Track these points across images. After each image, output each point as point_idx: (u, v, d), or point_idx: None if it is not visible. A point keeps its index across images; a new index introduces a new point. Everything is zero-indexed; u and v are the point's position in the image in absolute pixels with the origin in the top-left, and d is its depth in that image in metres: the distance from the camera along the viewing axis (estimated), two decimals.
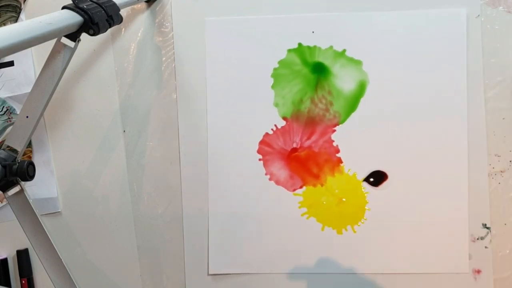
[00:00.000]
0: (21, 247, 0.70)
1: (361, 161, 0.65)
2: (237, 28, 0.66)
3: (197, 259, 0.67)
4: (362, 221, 0.65)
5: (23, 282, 0.69)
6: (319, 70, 0.65)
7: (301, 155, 0.65)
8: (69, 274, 0.54)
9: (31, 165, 0.52)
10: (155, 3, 0.68)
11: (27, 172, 0.50)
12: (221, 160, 0.66)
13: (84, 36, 0.52)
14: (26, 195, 0.52)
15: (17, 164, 0.51)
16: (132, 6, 0.67)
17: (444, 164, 0.63)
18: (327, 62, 0.65)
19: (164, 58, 0.68)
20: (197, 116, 0.67)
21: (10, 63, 0.69)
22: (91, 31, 0.51)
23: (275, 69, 0.65)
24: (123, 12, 0.59)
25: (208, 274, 0.67)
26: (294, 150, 0.66)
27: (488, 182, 0.63)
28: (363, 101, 0.64)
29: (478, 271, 0.63)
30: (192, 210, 0.67)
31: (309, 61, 0.65)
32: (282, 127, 0.66)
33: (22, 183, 0.52)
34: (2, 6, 0.69)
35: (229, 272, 0.67)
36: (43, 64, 0.52)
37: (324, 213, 0.65)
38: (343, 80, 0.64)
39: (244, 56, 0.66)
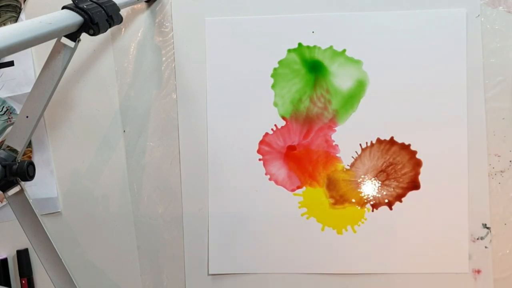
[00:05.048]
0: (21, 247, 0.70)
1: (361, 161, 0.65)
2: (237, 28, 0.66)
3: (197, 259, 0.67)
4: (362, 221, 0.65)
5: (23, 282, 0.69)
6: (317, 69, 0.65)
7: (300, 154, 0.65)
8: (69, 274, 0.54)
9: (31, 165, 0.52)
10: (155, 3, 0.68)
11: (27, 172, 0.50)
12: (221, 160, 0.66)
13: (84, 36, 0.52)
14: (26, 195, 0.52)
15: (17, 164, 0.50)
16: (132, 6, 0.67)
17: (444, 164, 0.63)
18: (325, 61, 0.65)
19: (164, 58, 0.68)
20: (197, 116, 0.67)
21: (10, 63, 0.69)
22: (91, 31, 0.51)
23: (275, 69, 0.65)
24: (123, 12, 0.59)
25: (208, 274, 0.67)
26: (293, 148, 0.65)
27: (488, 182, 0.63)
28: (363, 101, 0.64)
29: (478, 271, 0.63)
30: (192, 210, 0.67)
31: (308, 61, 0.65)
32: (282, 127, 0.66)
33: (22, 183, 0.52)
34: (2, 6, 0.69)
35: (229, 272, 0.67)
36: (43, 64, 0.52)
37: (324, 213, 0.65)
38: (341, 79, 0.64)
39: (244, 56, 0.66)
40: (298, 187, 0.65)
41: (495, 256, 0.63)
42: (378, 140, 0.64)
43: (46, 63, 0.52)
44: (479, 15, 0.63)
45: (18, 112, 0.69)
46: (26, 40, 0.43)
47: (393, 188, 0.64)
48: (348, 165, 0.65)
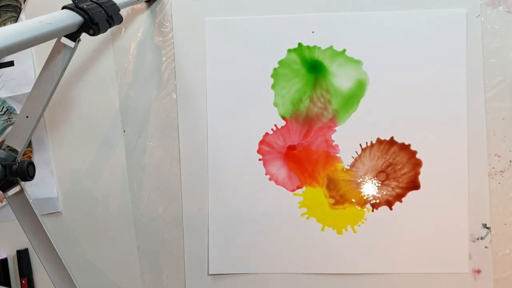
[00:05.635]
0: (21, 247, 0.70)
1: (361, 161, 0.65)
2: (237, 28, 0.66)
3: (197, 259, 0.67)
4: (362, 221, 0.65)
5: (23, 282, 0.69)
6: (317, 69, 0.65)
7: (300, 154, 0.65)
8: (69, 274, 0.54)
9: (31, 165, 0.52)
10: (155, 3, 0.68)
11: (27, 172, 0.50)
12: (221, 160, 0.66)
13: (84, 36, 0.52)
14: (26, 195, 0.52)
15: (17, 164, 0.50)
16: (132, 6, 0.67)
17: (444, 164, 0.63)
18: (325, 61, 0.65)
19: (164, 58, 0.68)
20: (197, 116, 0.67)
21: (10, 63, 0.69)
22: (91, 31, 0.51)
23: (275, 69, 0.65)
24: (123, 12, 0.59)
25: (208, 274, 0.67)
26: (293, 148, 0.66)
27: (488, 182, 0.63)
28: (363, 101, 0.64)
29: (478, 271, 0.63)
30: (192, 210, 0.67)
31: (308, 61, 0.65)
32: (282, 127, 0.66)
33: (22, 183, 0.52)
34: (2, 6, 0.69)
35: (229, 272, 0.67)
36: (43, 64, 0.52)
37: (324, 213, 0.65)
38: (341, 79, 0.65)
39: (244, 56, 0.66)
40: (298, 187, 0.66)
41: (495, 256, 0.63)
42: (378, 140, 0.64)
43: (46, 63, 0.52)
44: (479, 15, 0.63)
45: (18, 112, 0.69)
46: (26, 40, 0.43)
47: (393, 188, 0.64)
48: (348, 165, 0.65)
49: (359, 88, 0.64)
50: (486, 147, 0.63)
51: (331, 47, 0.65)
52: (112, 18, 0.54)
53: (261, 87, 0.66)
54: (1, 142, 0.69)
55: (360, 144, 0.65)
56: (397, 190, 0.64)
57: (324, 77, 0.65)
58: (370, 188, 0.65)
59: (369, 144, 0.64)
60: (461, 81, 0.63)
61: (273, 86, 0.66)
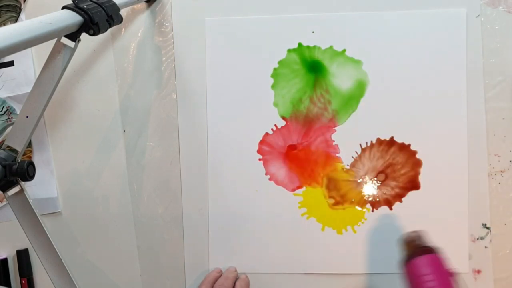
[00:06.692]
0: (21, 247, 0.70)
1: (361, 161, 0.65)
2: (237, 28, 0.66)
3: (197, 259, 0.67)
4: (362, 221, 0.65)
5: (23, 282, 0.69)
6: (317, 69, 0.65)
7: (300, 154, 0.65)
8: (69, 274, 0.54)
9: (31, 165, 0.52)
10: (155, 3, 0.68)
11: (27, 172, 0.50)
12: (221, 160, 0.66)
13: (84, 36, 0.52)
14: (26, 195, 0.52)
15: (17, 164, 0.50)
16: (132, 6, 0.67)
17: (444, 164, 0.63)
18: (325, 61, 0.65)
19: (164, 58, 0.68)
20: (197, 116, 0.67)
21: (10, 63, 0.69)
22: (91, 31, 0.51)
23: (275, 69, 0.65)
24: (123, 12, 0.59)
25: None
26: (293, 148, 0.66)
27: (488, 182, 0.63)
28: (363, 101, 0.64)
29: (478, 271, 0.63)
30: (192, 210, 0.67)
31: (308, 61, 0.65)
32: (282, 127, 0.66)
33: (22, 183, 0.52)
34: (2, 6, 0.69)
35: None
36: (43, 64, 0.52)
37: (324, 213, 0.65)
38: (340, 79, 0.64)
39: (244, 56, 0.66)
40: (298, 187, 0.66)
41: (495, 256, 0.63)
42: (378, 140, 0.64)
43: (46, 63, 0.52)
44: (479, 15, 0.63)
45: (18, 112, 0.69)
46: (26, 40, 0.43)
47: (393, 188, 0.64)
48: (348, 165, 0.65)
49: (359, 88, 0.64)
50: (486, 147, 0.63)
51: (331, 47, 0.65)
52: (112, 18, 0.54)
53: (261, 87, 0.66)
54: (1, 142, 0.69)
55: (360, 144, 0.65)
56: (397, 190, 0.64)
57: (324, 77, 0.65)
58: (370, 188, 0.65)
59: (369, 144, 0.64)
60: (461, 81, 0.63)
61: (273, 86, 0.66)
